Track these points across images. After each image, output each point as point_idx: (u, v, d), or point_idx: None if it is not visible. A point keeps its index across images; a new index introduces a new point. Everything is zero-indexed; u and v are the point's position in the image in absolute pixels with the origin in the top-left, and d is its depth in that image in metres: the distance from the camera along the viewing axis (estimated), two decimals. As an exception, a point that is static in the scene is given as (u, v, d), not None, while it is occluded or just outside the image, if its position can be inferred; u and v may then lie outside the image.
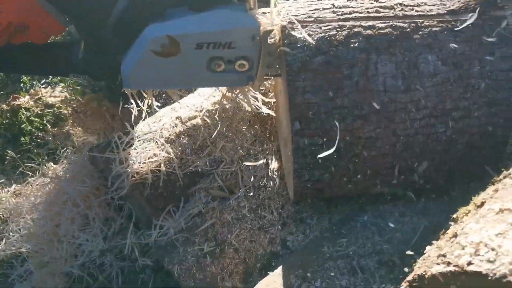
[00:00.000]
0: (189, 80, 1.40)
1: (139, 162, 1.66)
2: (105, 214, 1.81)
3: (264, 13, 1.34)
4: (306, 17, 1.28)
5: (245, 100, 1.57)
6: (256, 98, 1.58)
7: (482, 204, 0.97)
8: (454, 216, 1.05)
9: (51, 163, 2.06)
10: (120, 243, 1.73)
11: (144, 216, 1.72)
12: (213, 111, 1.83)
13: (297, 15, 1.29)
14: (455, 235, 0.92)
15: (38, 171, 2.01)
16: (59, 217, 1.82)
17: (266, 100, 1.69)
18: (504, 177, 1.04)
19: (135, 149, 1.72)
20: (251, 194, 1.67)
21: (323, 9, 1.31)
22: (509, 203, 0.89)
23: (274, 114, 1.72)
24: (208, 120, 1.80)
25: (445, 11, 1.28)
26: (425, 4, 1.30)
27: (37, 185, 1.97)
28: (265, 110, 1.59)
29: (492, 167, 1.37)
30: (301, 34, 1.24)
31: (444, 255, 0.87)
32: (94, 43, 1.36)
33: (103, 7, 1.29)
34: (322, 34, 1.25)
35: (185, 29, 1.27)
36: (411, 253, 1.18)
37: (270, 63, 1.39)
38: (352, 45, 1.24)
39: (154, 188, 1.68)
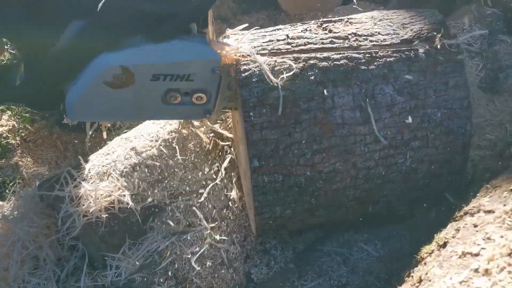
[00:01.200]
0: (141, 113, 1.32)
1: (91, 199, 1.56)
2: (57, 255, 1.69)
3: (224, 43, 1.28)
4: (260, 49, 1.24)
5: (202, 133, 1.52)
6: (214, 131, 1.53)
7: (445, 244, 0.95)
8: (418, 256, 1.03)
9: (-2, 200, 1.92)
10: (75, 286, 1.62)
11: (99, 255, 1.62)
12: (170, 140, 1.76)
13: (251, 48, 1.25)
14: (420, 281, 0.90)
15: (-17, 209, 1.86)
16: (7, 260, 1.69)
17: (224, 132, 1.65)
18: (465, 214, 1.03)
19: (84, 186, 1.62)
20: (212, 226, 1.60)
21: (278, 40, 1.27)
22: (471, 246, 0.88)
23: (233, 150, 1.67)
24: (165, 150, 1.72)
25: (399, 41, 1.28)
26: (379, 33, 1.29)
27: (-18, 225, 1.83)
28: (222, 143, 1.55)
29: (452, 194, 1.37)
30: (257, 67, 1.20)
31: (409, 305, 0.84)
32: (34, 70, 1.24)
33: (49, 34, 1.18)
34: (278, 67, 1.21)
35: (141, 60, 1.19)
36: None
37: (229, 97, 1.33)
38: (308, 78, 1.21)
39: (108, 226, 1.58)
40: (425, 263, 0.97)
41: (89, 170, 1.69)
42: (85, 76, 1.21)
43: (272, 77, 1.17)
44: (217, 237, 1.58)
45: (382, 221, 1.53)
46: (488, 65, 2.08)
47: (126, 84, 1.21)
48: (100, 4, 1.11)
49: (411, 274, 0.97)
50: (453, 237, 0.96)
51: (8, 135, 2.23)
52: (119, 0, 1.11)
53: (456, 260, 0.87)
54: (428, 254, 1.00)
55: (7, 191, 1.97)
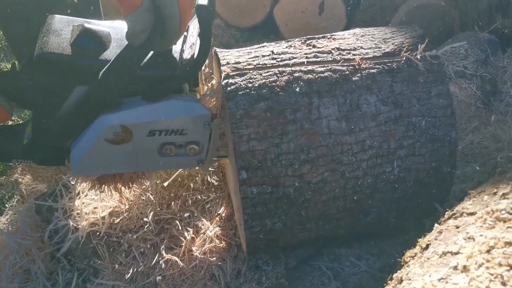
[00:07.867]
0: (140, 164, 1.41)
1: (84, 213, 1.58)
2: (49, 268, 1.70)
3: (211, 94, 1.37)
4: (246, 65, 1.28)
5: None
6: None
7: (427, 246, 0.96)
8: (401, 260, 1.03)
9: (-4, 215, 1.94)
10: (65, 300, 1.61)
11: (91, 269, 1.63)
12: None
13: (237, 63, 1.28)
14: (401, 281, 0.90)
15: (-18, 224, 1.88)
16: (-1, 273, 1.70)
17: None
18: (449, 218, 1.03)
19: (79, 197, 1.64)
20: (203, 243, 1.60)
21: (263, 56, 1.31)
22: (451, 246, 0.88)
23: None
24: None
25: (381, 54, 1.31)
26: (361, 48, 1.33)
27: (-22, 240, 1.84)
28: None
29: (441, 204, 1.37)
30: (243, 81, 1.23)
31: (389, 305, 0.84)
32: (42, 130, 1.34)
33: (54, 100, 1.28)
34: (263, 81, 1.24)
35: (138, 118, 1.29)
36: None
37: (220, 146, 1.44)
38: (293, 90, 1.24)
39: (101, 239, 1.59)
40: (407, 266, 0.97)
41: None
42: (88, 134, 1.31)
43: None
44: (207, 252, 1.58)
45: (374, 237, 1.53)
46: (483, 87, 2.12)
47: (125, 140, 1.32)
48: (101, 73, 1.21)
49: (393, 276, 0.97)
50: (435, 239, 0.96)
51: (9, 152, 2.26)
52: (118, 67, 1.20)
53: (436, 259, 0.88)
54: (411, 257, 1.00)
55: (6, 205, 2.00)
